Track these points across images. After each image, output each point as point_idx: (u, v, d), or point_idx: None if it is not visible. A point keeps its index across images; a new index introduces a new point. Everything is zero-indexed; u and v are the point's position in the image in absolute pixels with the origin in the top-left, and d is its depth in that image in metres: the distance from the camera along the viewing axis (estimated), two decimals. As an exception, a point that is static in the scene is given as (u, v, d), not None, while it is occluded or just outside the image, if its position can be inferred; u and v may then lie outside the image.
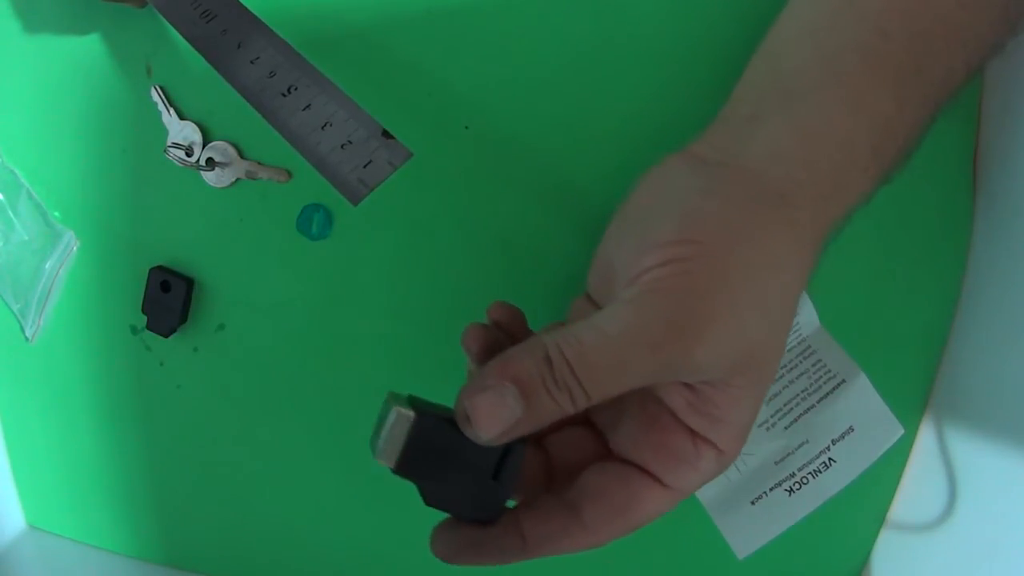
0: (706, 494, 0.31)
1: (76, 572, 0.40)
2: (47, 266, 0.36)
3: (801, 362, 0.31)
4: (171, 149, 0.34)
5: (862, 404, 0.30)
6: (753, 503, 0.31)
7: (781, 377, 0.31)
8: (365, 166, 0.24)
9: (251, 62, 0.26)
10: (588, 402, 0.21)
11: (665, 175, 0.24)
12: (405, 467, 0.22)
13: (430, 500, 0.23)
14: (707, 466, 0.23)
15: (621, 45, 0.30)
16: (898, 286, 0.32)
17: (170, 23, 0.28)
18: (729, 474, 0.31)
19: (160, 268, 0.35)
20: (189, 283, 0.35)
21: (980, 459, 0.30)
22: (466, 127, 0.32)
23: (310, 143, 0.25)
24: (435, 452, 0.22)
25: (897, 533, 0.33)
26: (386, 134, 0.25)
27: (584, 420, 0.26)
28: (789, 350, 0.31)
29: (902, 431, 0.30)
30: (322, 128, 0.25)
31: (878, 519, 0.34)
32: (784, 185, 0.22)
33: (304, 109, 0.25)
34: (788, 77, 0.24)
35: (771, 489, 0.31)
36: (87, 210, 0.36)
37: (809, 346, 0.31)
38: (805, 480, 0.30)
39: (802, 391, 0.31)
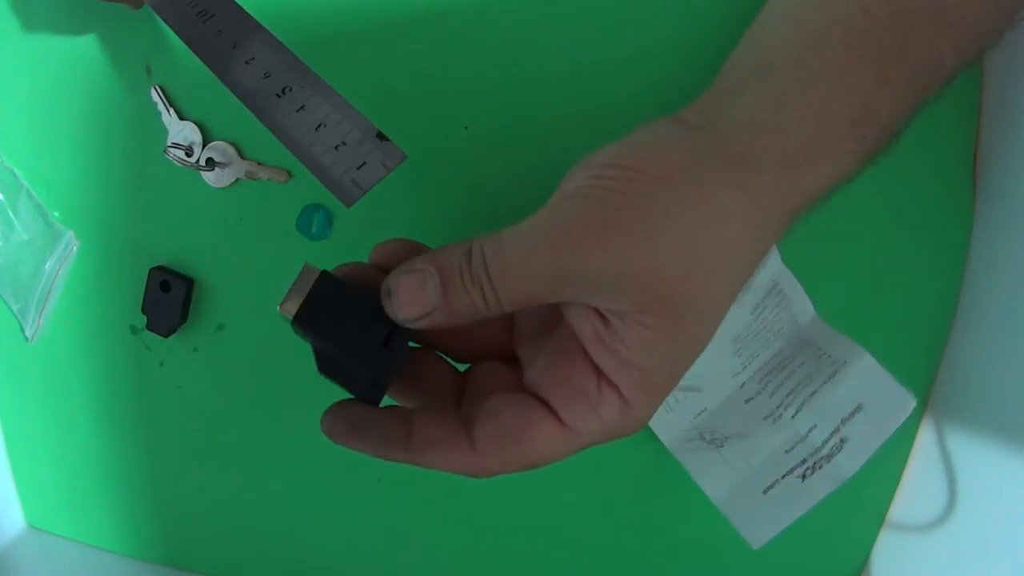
0: (715, 490, 0.31)
1: (76, 572, 0.40)
2: (47, 266, 0.36)
3: (800, 351, 0.31)
4: (171, 149, 0.33)
5: (868, 380, 0.30)
6: (766, 492, 0.30)
7: (782, 369, 0.31)
8: (359, 168, 0.24)
9: (246, 63, 0.26)
10: (498, 303, 0.21)
11: (644, 128, 0.24)
12: (303, 318, 0.23)
13: (322, 366, 0.24)
14: (608, 413, 0.22)
15: (621, 44, 0.30)
16: (898, 285, 0.32)
17: (166, 23, 0.28)
18: (738, 468, 0.31)
19: (160, 268, 0.35)
20: (189, 283, 0.35)
21: (980, 459, 0.30)
22: (466, 127, 0.32)
23: (304, 144, 0.25)
24: (333, 312, 0.23)
25: (897, 533, 0.33)
26: (380, 136, 0.25)
27: (510, 357, 0.26)
28: (788, 343, 0.30)
29: (914, 402, 0.29)
30: (316, 129, 0.25)
31: (878, 519, 0.34)
32: (747, 147, 0.22)
33: (298, 110, 0.25)
34: (771, 53, 0.24)
35: (783, 476, 0.30)
36: (87, 210, 0.36)
37: (807, 335, 0.31)
38: (819, 464, 0.30)
39: (804, 377, 0.30)
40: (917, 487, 0.33)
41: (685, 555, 0.35)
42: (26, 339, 0.38)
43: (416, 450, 0.22)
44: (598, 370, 0.22)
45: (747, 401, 0.31)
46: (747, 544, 0.30)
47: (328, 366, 0.24)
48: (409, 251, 0.25)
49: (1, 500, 0.40)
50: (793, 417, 0.30)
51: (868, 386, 0.30)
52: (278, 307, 0.23)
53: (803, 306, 0.30)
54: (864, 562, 0.35)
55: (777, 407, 0.31)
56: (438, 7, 0.31)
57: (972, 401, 0.31)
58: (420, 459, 0.23)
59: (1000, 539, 0.28)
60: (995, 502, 0.29)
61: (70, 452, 0.39)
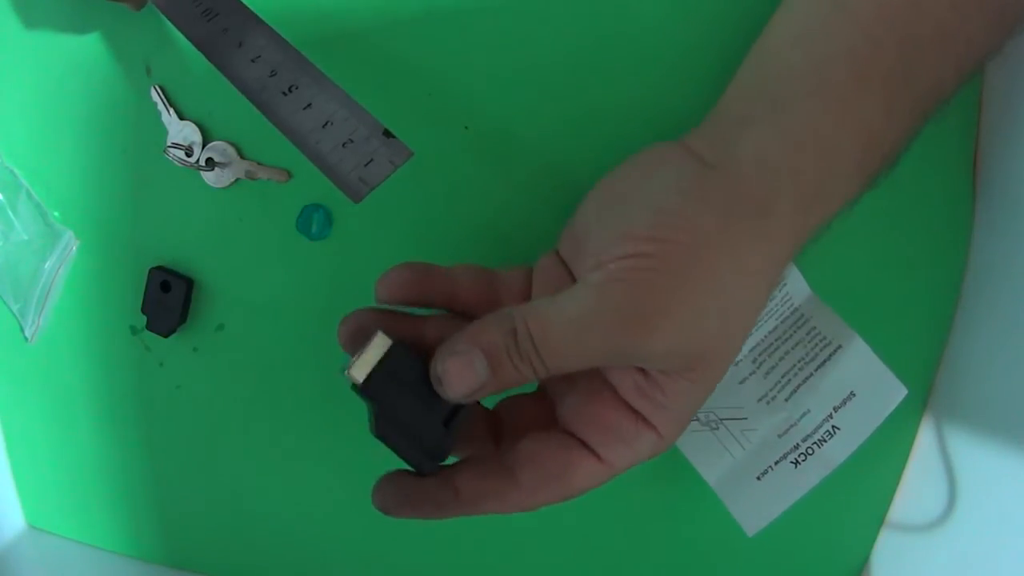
0: (711, 475, 0.31)
1: (76, 572, 0.40)
2: (47, 266, 0.36)
3: (795, 332, 0.31)
4: (171, 149, 0.33)
5: (861, 368, 0.30)
6: (759, 479, 0.31)
7: (776, 349, 0.31)
8: (366, 165, 0.24)
9: (252, 61, 0.26)
10: (547, 374, 0.23)
11: (653, 162, 0.25)
12: (370, 386, 0.23)
13: (380, 429, 0.24)
14: (643, 447, 0.24)
15: (621, 45, 0.30)
16: (898, 286, 0.32)
17: (171, 21, 0.28)
18: (733, 451, 0.31)
19: (160, 268, 0.35)
20: (189, 283, 0.35)
21: (980, 459, 0.30)
22: (466, 127, 0.32)
23: (311, 142, 0.25)
24: (398, 383, 0.23)
25: (897, 533, 0.33)
26: (387, 133, 0.25)
27: (538, 387, 0.27)
28: (782, 321, 0.31)
29: (905, 391, 0.30)
30: (323, 127, 0.25)
31: (878, 519, 0.34)
32: (766, 194, 0.22)
33: (305, 108, 0.25)
34: (778, 82, 0.24)
35: (776, 463, 0.31)
36: (87, 210, 0.36)
37: (802, 315, 0.31)
38: (811, 451, 0.30)
39: (799, 361, 0.31)
40: (917, 487, 0.33)
41: (685, 555, 0.35)
42: (26, 339, 0.38)
43: (467, 505, 0.24)
44: (635, 412, 0.24)
45: (741, 382, 0.31)
46: (742, 533, 0.30)
47: (386, 430, 0.24)
48: (416, 278, 0.26)
49: (1, 500, 0.40)
50: (787, 400, 0.31)
51: (860, 374, 0.30)
52: (345, 372, 0.23)
53: (799, 287, 0.30)
54: (864, 562, 0.35)
55: (771, 389, 0.31)
56: (440, 7, 0.31)
57: (972, 401, 0.31)
58: (474, 512, 0.24)
59: (1000, 539, 0.28)
60: (995, 502, 0.29)
61: (70, 452, 0.39)
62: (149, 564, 0.40)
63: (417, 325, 0.26)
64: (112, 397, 0.38)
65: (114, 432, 0.38)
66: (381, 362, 0.23)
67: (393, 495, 0.25)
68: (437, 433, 0.24)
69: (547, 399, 0.27)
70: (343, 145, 0.24)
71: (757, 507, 0.30)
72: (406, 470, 0.25)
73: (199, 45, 0.27)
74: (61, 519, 0.40)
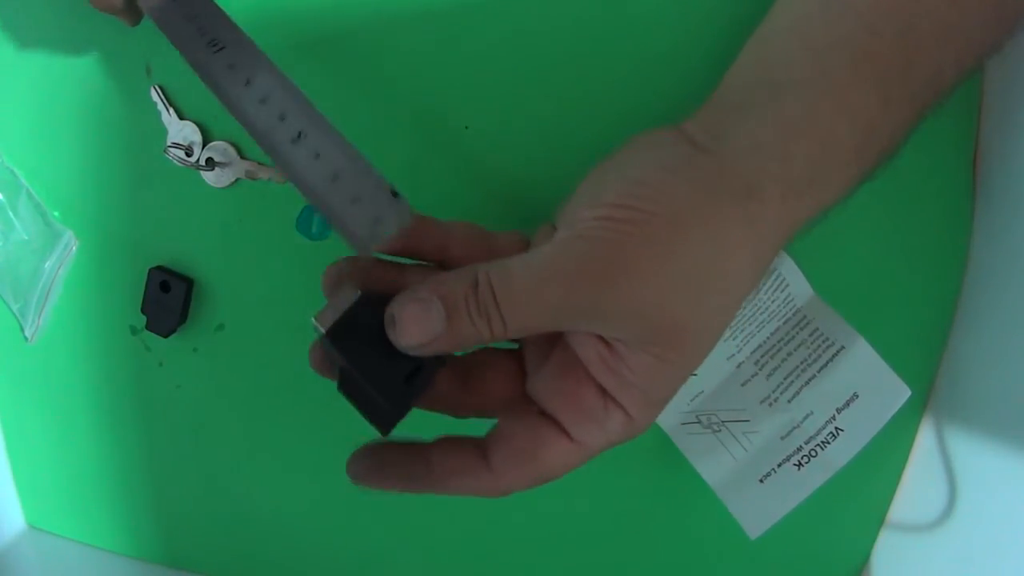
0: (713, 477, 0.31)
1: (76, 572, 0.40)
2: (46, 266, 0.36)
3: (798, 333, 0.31)
4: (171, 149, 0.33)
5: (864, 369, 0.30)
6: (762, 481, 0.30)
7: (779, 351, 0.31)
8: (374, 224, 0.24)
9: (260, 102, 0.26)
10: (505, 332, 0.22)
11: (645, 143, 0.25)
12: (334, 336, 0.23)
13: (343, 385, 0.24)
14: (614, 428, 0.23)
15: (621, 44, 0.30)
16: (898, 286, 0.32)
17: (174, 46, 0.28)
18: (735, 453, 0.31)
19: (160, 268, 0.35)
20: (188, 283, 0.35)
21: (980, 459, 0.30)
22: (466, 127, 0.32)
23: (319, 192, 0.24)
24: (364, 336, 0.23)
25: (897, 533, 0.33)
26: (393, 192, 0.24)
27: (516, 354, 0.27)
28: (785, 322, 0.31)
29: (908, 392, 0.30)
30: (332, 180, 0.24)
31: (878, 519, 0.34)
32: (754, 177, 0.22)
33: (315, 158, 0.25)
34: (776, 69, 0.24)
35: (779, 465, 0.30)
36: (86, 210, 0.36)
37: (804, 316, 0.30)
38: (814, 453, 0.30)
39: (801, 362, 0.30)
40: (917, 487, 0.33)
41: (686, 555, 0.35)
42: (26, 339, 0.38)
43: (439, 482, 0.24)
44: (603, 389, 0.23)
45: (743, 384, 0.31)
46: (745, 535, 0.30)
47: (348, 386, 0.24)
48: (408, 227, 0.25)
49: (1, 500, 0.40)
50: (790, 402, 0.30)
51: (863, 375, 0.30)
52: (312, 318, 0.23)
53: (801, 288, 0.30)
54: (864, 562, 0.35)
55: (774, 391, 0.31)
56: (439, 7, 0.31)
57: (972, 401, 0.31)
58: (443, 490, 0.24)
59: (1000, 539, 0.28)
60: (995, 502, 0.29)
61: (70, 452, 0.39)
62: (149, 564, 0.40)
63: (400, 275, 0.26)
64: (112, 397, 0.38)
65: (114, 432, 0.38)
66: (348, 312, 0.23)
67: (365, 464, 0.25)
68: (397, 389, 0.23)
69: (520, 363, 0.27)
70: (352, 202, 0.24)
71: (760, 510, 0.30)
72: (379, 440, 0.25)
73: (204, 78, 0.27)
74: (61, 519, 0.40)
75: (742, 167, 0.22)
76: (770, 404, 0.31)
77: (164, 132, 0.34)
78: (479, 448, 0.24)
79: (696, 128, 0.24)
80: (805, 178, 0.23)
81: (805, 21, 0.24)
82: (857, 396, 0.30)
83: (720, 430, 0.31)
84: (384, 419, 0.24)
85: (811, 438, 0.30)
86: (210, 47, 0.27)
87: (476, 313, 0.22)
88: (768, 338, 0.31)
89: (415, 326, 0.22)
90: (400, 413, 0.24)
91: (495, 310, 0.22)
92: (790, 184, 0.22)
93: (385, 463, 0.24)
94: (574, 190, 0.26)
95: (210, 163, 0.33)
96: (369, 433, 0.25)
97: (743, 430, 0.31)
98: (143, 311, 0.35)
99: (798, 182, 0.22)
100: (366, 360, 0.23)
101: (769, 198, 0.22)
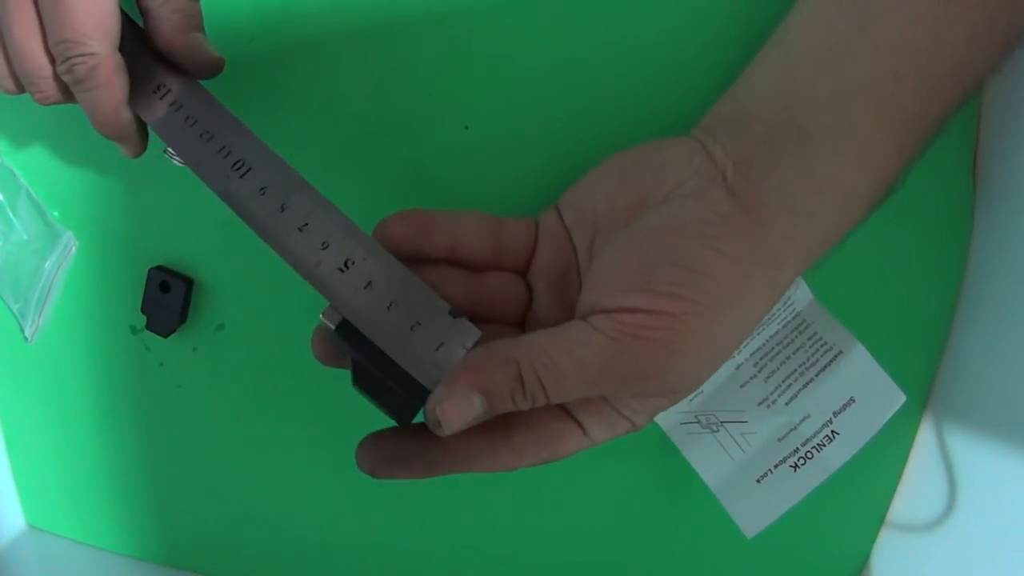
0: (711, 476, 0.31)
1: (76, 572, 0.40)
2: (46, 266, 0.36)
3: (796, 337, 0.31)
4: (171, 149, 0.33)
5: (861, 374, 0.30)
6: (759, 481, 0.31)
7: (778, 354, 0.31)
8: (437, 348, 0.23)
9: (299, 229, 0.24)
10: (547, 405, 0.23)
11: (674, 175, 0.25)
12: (344, 331, 0.23)
13: (357, 379, 0.24)
14: (621, 431, 0.26)
15: (622, 44, 0.30)
16: (898, 285, 0.32)
17: (200, 178, 0.26)
18: (733, 454, 0.31)
19: (160, 268, 0.35)
20: (188, 283, 0.35)
21: (980, 459, 0.30)
22: (466, 127, 0.32)
23: (377, 323, 0.23)
24: None
25: (897, 533, 0.34)
26: (453, 312, 0.24)
27: (520, 322, 0.28)
28: (784, 326, 0.31)
29: (904, 398, 0.30)
30: (387, 308, 0.23)
31: (878, 519, 0.34)
32: (782, 244, 0.23)
33: (366, 288, 0.24)
34: (803, 111, 0.23)
35: (776, 466, 0.31)
36: (86, 210, 0.36)
37: (803, 320, 0.31)
38: (810, 455, 0.31)
39: (800, 365, 0.31)
40: (917, 487, 0.33)
41: (685, 554, 0.35)
42: (25, 339, 0.38)
43: (462, 463, 0.24)
44: (618, 410, 0.25)
45: (742, 385, 0.31)
46: (742, 534, 0.31)
47: (363, 380, 0.23)
48: (413, 233, 0.26)
49: (1, 500, 0.40)
50: (787, 404, 0.31)
51: (860, 380, 0.30)
52: (321, 314, 0.23)
53: (801, 292, 0.30)
54: (864, 562, 0.35)
55: (771, 393, 0.31)
56: (439, 7, 0.31)
57: (972, 401, 0.31)
58: (463, 469, 0.25)
59: (1000, 539, 0.28)
60: (995, 502, 0.29)
61: (70, 452, 0.39)
62: (149, 564, 0.40)
63: (455, 228, 0.27)
64: (112, 397, 0.38)
65: (114, 432, 0.38)
66: None
67: (381, 454, 0.24)
68: (413, 381, 0.23)
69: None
70: (411, 328, 0.23)
71: (756, 509, 0.31)
72: (389, 428, 0.24)
73: (234, 207, 0.25)
74: (61, 519, 0.40)
75: (772, 234, 0.23)
76: (768, 406, 0.31)
77: (164, 132, 0.34)
78: (501, 430, 0.24)
79: (724, 156, 0.24)
80: (823, 239, 0.24)
81: (832, 57, 0.24)
82: (853, 400, 0.30)
83: (719, 430, 0.31)
84: (403, 409, 0.23)
85: (807, 440, 0.31)
86: (235, 170, 0.25)
87: (522, 400, 0.22)
88: (768, 340, 0.31)
89: (458, 420, 0.22)
90: (421, 400, 0.23)
91: (543, 397, 0.22)
92: (810, 247, 0.24)
93: (402, 453, 0.24)
94: (585, 177, 0.27)
95: (210, 163, 0.33)
96: (368, 431, 0.25)
97: (741, 431, 0.31)
98: (143, 311, 0.35)
99: (814, 241, 0.24)
100: (378, 351, 0.23)
101: (791, 263, 0.23)
